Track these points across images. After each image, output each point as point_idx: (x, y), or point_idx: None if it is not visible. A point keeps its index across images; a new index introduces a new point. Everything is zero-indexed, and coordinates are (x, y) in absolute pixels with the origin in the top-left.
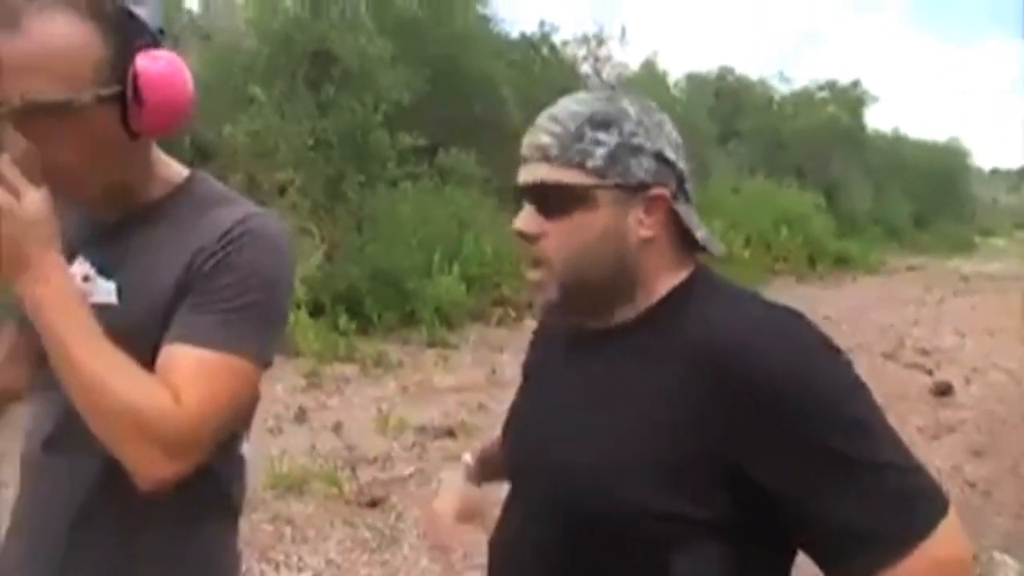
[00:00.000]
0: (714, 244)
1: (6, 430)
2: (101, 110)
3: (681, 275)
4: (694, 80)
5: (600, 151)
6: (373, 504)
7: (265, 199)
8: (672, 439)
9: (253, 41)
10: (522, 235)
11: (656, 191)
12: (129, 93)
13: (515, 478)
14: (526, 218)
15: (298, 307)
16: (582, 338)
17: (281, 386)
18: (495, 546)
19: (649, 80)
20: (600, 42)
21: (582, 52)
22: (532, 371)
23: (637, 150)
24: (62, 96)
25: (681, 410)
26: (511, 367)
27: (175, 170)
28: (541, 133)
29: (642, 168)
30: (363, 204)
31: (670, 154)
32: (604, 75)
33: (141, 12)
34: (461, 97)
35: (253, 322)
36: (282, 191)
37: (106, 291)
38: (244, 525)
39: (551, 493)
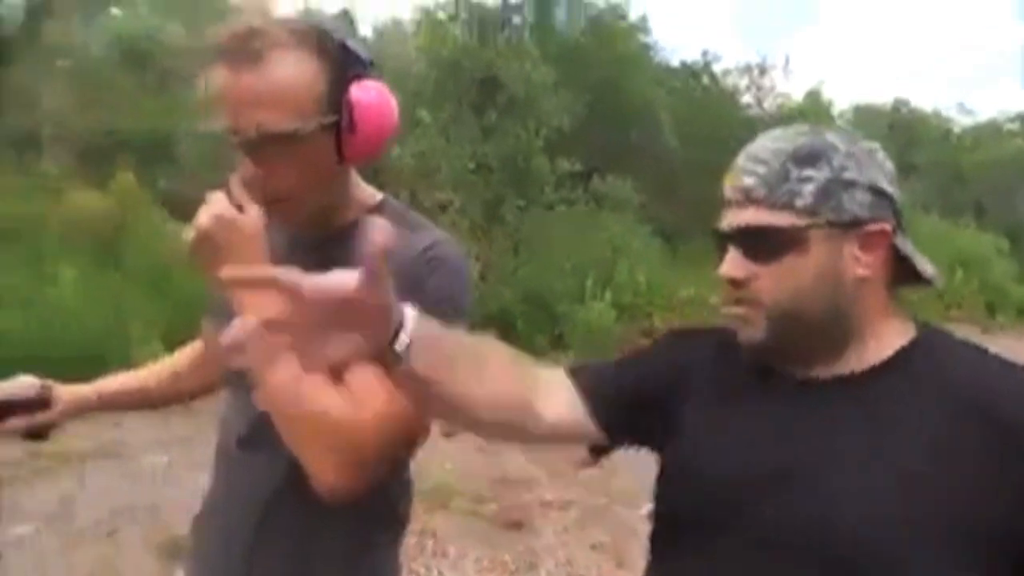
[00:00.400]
0: (936, 276)
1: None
2: (320, 138)
3: (900, 315)
4: (863, 112)
5: (809, 188)
6: (515, 526)
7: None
8: (959, 495)
9: (422, 67)
10: (731, 281)
11: (875, 226)
12: (344, 122)
13: (730, 515)
14: (733, 263)
15: None
16: (814, 389)
17: None
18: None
19: (813, 111)
20: (763, 71)
21: (744, 82)
22: (713, 395)
23: (849, 184)
24: (291, 127)
25: (962, 464)
26: None
27: (369, 193)
28: (744, 175)
29: (856, 203)
30: (519, 227)
31: (886, 185)
32: (766, 105)
33: (353, 44)
34: (619, 123)
35: None
36: (442, 210)
37: None
38: None
39: (821, 542)
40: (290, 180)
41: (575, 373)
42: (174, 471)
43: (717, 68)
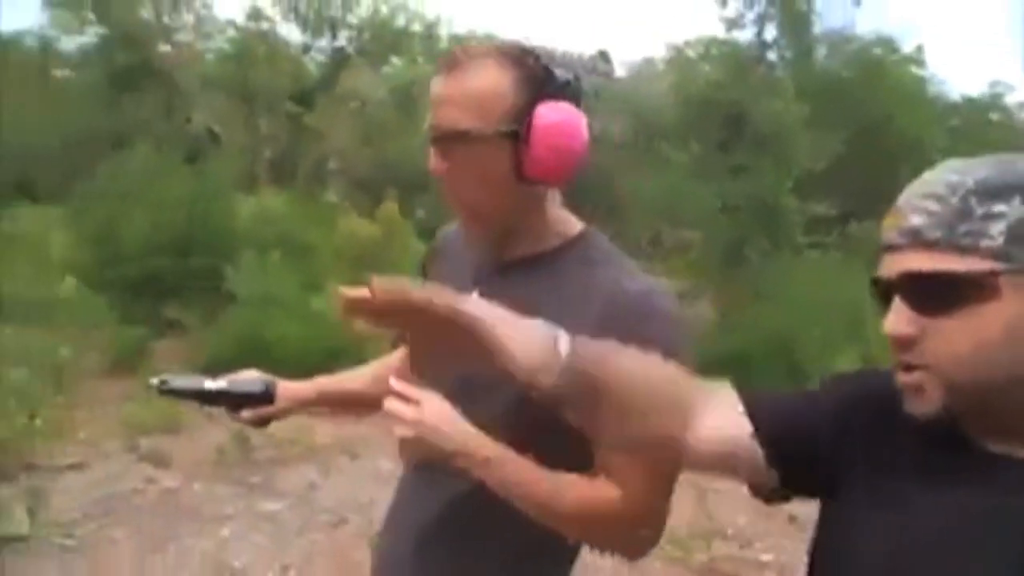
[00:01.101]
0: None
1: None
2: (497, 146)
3: None
4: None
5: (998, 228)
6: None
7: (667, 256)
8: None
9: (671, 105)
10: (898, 340)
11: None
12: (522, 134)
13: None
14: (900, 317)
15: None
16: (990, 464)
17: None
18: None
19: None
20: None
21: None
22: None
23: None
24: (469, 126)
25: None
26: None
27: (571, 224)
28: (912, 213)
29: None
30: (764, 269)
31: None
32: None
33: (558, 69)
34: (884, 164)
35: None
36: (683, 250)
37: None
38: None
39: None
40: (468, 184)
41: (744, 392)
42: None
43: (1010, 101)
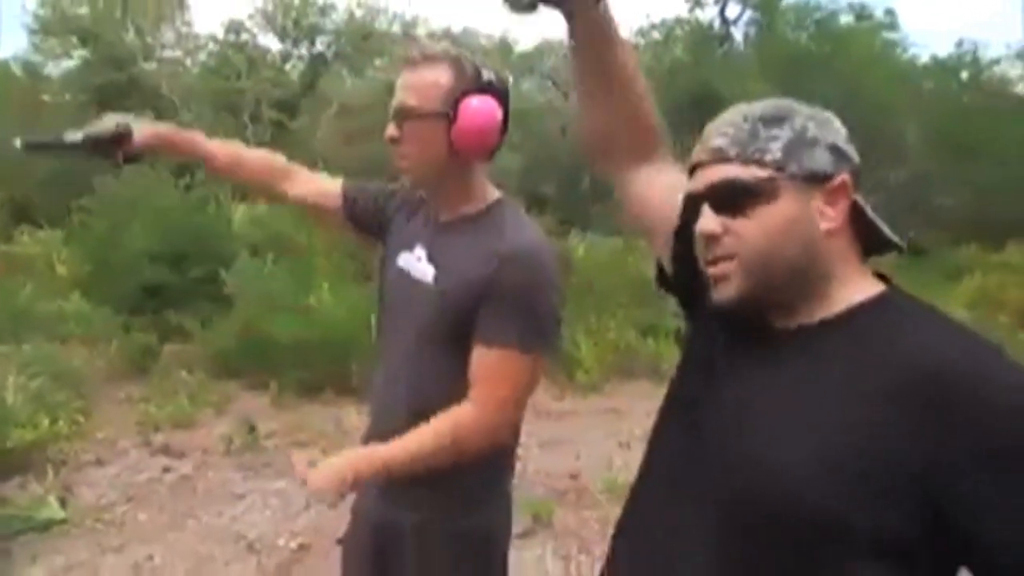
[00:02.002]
0: (899, 239)
1: None
2: (436, 123)
3: (868, 277)
4: None
5: (776, 145)
6: None
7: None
8: (866, 448)
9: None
10: (708, 236)
11: (837, 180)
12: (452, 116)
13: (685, 462)
14: (709, 219)
15: None
16: (773, 337)
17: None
18: (640, 531)
19: None
20: None
21: (1017, 70)
22: (704, 360)
23: (812, 142)
24: (418, 104)
25: (893, 423)
26: None
27: (491, 193)
28: (715, 137)
29: (818, 159)
30: None
31: (844, 146)
32: None
33: (487, 72)
34: (853, 134)
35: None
36: None
37: (426, 272)
38: (573, 518)
39: (739, 487)
40: (413, 149)
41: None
42: None
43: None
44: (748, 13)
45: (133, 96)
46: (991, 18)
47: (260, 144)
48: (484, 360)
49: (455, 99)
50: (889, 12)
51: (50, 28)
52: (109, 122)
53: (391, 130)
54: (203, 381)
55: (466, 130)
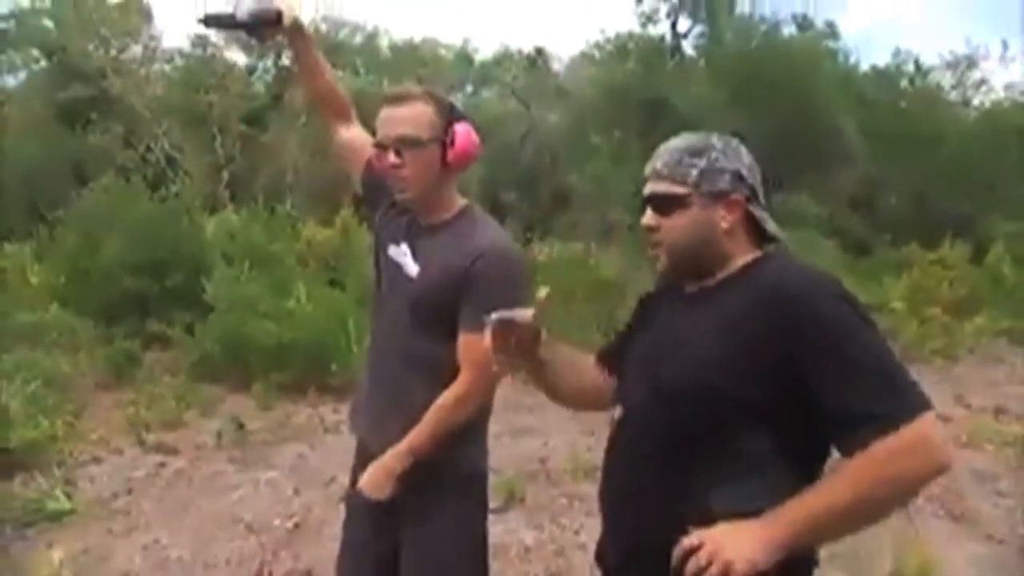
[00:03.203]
0: (780, 233)
1: None
2: (434, 147)
3: (754, 253)
4: None
5: (695, 171)
6: None
7: (602, 237)
8: (745, 348)
9: (595, 97)
10: (646, 228)
11: (733, 196)
12: (447, 140)
13: (632, 384)
14: (648, 217)
15: None
16: (689, 296)
17: None
18: (612, 441)
19: None
20: (971, 64)
21: (949, 78)
22: (648, 313)
23: (720, 170)
24: (417, 134)
25: (750, 331)
26: None
27: (459, 199)
28: (656, 161)
29: (723, 182)
30: None
31: (744, 173)
32: (977, 102)
33: (456, 104)
34: (802, 138)
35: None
36: (614, 230)
37: (411, 268)
38: (543, 494)
39: (670, 384)
40: (414, 171)
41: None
42: None
43: (910, 66)
44: (698, 27)
45: (101, 109)
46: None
47: (231, 158)
48: (467, 344)
49: (444, 127)
50: (830, 24)
51: (12, 41)
52: (269, 8)
53: (392, 158)
54: (187, 384)
55: (460, 152)
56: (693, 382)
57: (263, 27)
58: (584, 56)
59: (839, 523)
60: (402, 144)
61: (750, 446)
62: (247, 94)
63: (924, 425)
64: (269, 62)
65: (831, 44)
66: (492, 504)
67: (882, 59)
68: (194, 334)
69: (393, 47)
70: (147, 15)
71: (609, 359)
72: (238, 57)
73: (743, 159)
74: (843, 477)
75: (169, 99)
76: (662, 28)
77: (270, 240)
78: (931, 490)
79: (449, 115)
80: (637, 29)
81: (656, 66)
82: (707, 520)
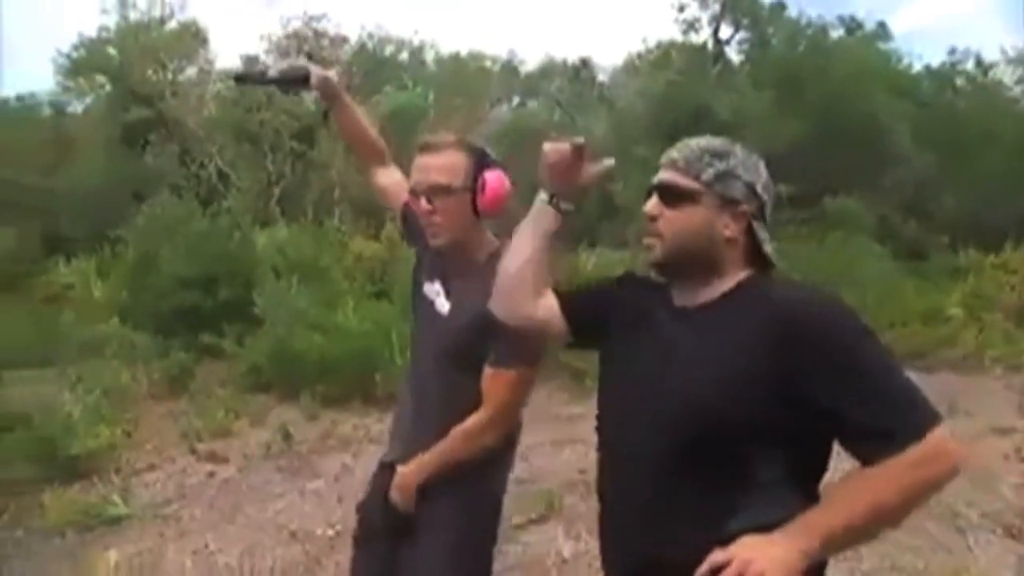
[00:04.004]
0: (775, 257)
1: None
2: (463, 195)
3: (746, 272)
4: None
5: (711, 170)
6: None
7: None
8: (752, 371)
9: (639, 107)
10: (649, 215)
11: (742, 207)
12: (478, 187)
13: (633, 402)
14: (653, 204)
15: None
16: (688, 312)
17: None
18: (610, 455)
19: None
20: None
21: (1013, 74)
22: (644, 321)
23: (736, 177)
24: (448, 183)
25: (758, 353)
26: None
27: (493, 243)
28: (675, 151)
29: (736, 190)
30: None
31: (759, 188)
32: None
33: (488, 149)
34: (852, 142)
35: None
36: None
37: (443, 306)
38: (582, 505)
39: (670, 409)
40: (446, 219)
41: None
42: None
43: (968, 64)
44: (741, 33)
45: (159, 130)
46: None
47: (281, 175)
48: (490, 379)
49: (475, 174)
50: (881, 24)
51: (81, 68)
52: (298, 66)
53: (424, 204)
54: (238, 395)
55: (491, 199)
56: (699, 402)
57: (292, 84)
58: (627, 66)
59: (858, 533)
60: (434, 192)
61: (762, 465)
62: (297, 112)
63: (938, 437)
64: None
65: (881, 45)
66: (531, 515)
67: (937, 58)
68: (244, 346)
69: (439, 61)
70: (202, 39)
71: (570, 305)
72: None
73: (761, 175)
74: (863, 489)
75: (223, 118)
76: (704, 35)
77: (318, 254)
78: (990, 506)
79: (480, 163)
80: (679, 37)
81: (698, 74)
82: (722, 539)
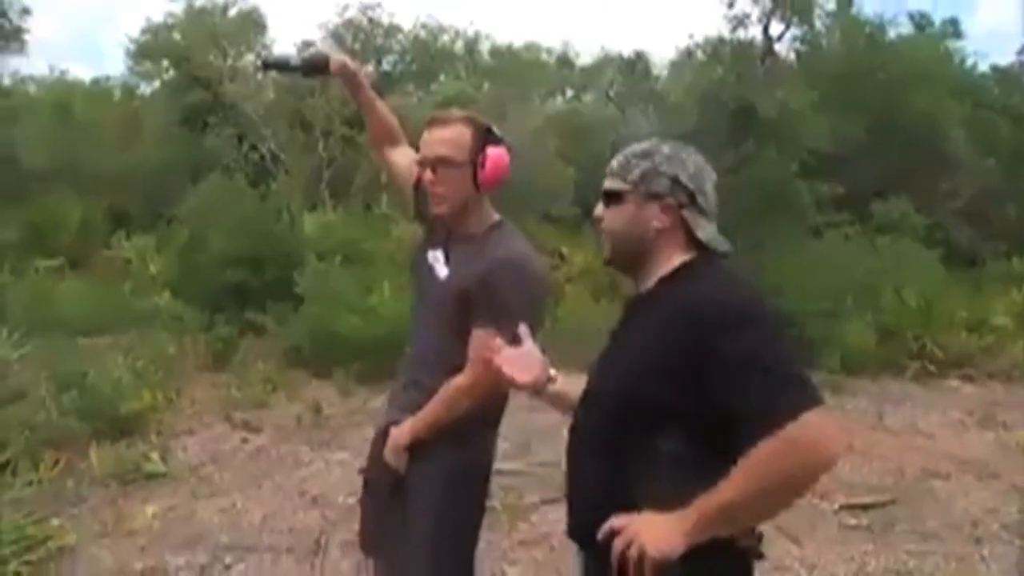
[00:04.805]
0: (717, 242)
1: None
2: (466, 168)
3: (685, 257)
4: None
5: (637, 171)
6: None
7: None
8: (660, 359)
9: (687, 104)
10: (594, 218)
11: (667, 200)
12: (479, 161)
13: (588, 384)
14: (598, 208)
15: None
16: (630, 303)
17: None
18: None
19: None
20: None
21: None
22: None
23: (660, 173)
24: (452, 155)
25: (664, 343)
26: (899, 416)
27: (493, 216)
28: (613, 160)
29: (660, 185)
30: (777, 251)
31: (684, 179)
32: None
33: (494, 128)
34: (905, 143)
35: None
36: None
37: (443, 272)
38: None
39: (600, 389)
40: (446, 190)
41: None
42: None
43: None
44: (793, 30)
45: (217, 113)
46: None
47: (332, 159)
48: (475, 339)
49: (478, 150)
50: (951, 21)
51: (147, 53)
52: (318, 53)
53: (429, 175)
54: (277, 370)
55: (490, 174)
56: (616, 386)
57: (313, 71)
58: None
59: (737, 515)
60: (438, 163)
61: (666, 445)
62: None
63: (807, 422)
64: (371, 67)
65: (951, 44)
66: (546, 495)
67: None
68: (285, 324)
69: (494, 52)
70: (261, 25)
71: None
72: None
73: (687, 166)
74: (738, 473)
75: (278, 103)
76: (754, 31)
77: (363, 238)
78: (1011, 518)
79: (485, 139)
80: (727, 34)
81: (746, 71)
82: (633, 508)
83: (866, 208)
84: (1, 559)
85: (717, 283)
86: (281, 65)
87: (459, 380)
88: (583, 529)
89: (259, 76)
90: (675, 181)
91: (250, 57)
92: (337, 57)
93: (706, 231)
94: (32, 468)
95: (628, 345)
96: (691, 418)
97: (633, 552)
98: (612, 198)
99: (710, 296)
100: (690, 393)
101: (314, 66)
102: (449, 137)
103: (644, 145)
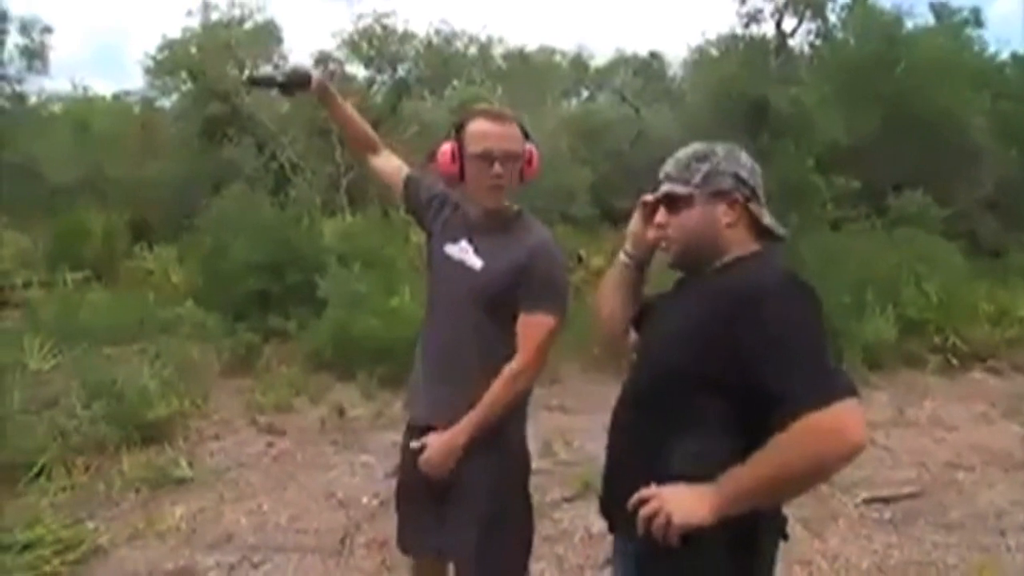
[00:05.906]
0: (779, 228)
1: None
2: (520, 163)
3: (754, 247)
4: None
5: (699, 174)
6: None
7: None
8: (703, 333)
9: (699, 99)
10: (658, 225)
11: (734, 195)
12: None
13: (638, 352)
14: (660, 215)
15: None
16: (686, 280)
17: None
18: (620, 395)
19: None
20: None
21: None
22: (675, 292)
23: (721, 172)
24: (518, 151)
25: (708, 320)
26: (922, 409)
27: (512, 205)
28: (667, 164)
29: (724, 183)
30: (796, 246)
31: (744, 175)
32: None
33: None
34: (923, 135)
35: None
36: None
37: (475, 262)
38: None
39: (648, 357)
40: (508, 181)
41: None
42: None
43: None
44: (806, 24)
45: (235, 124)
46: None
47: (349, 166)
48: (525, 324)
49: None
50: (974, 10)
51: (165, 67)
52: (301, 71)
53: (498, 168)
54: (300, 374)
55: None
56: (661, 355)
57: (296, 87)
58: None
59: (765, 493)
60: (507, 158)
61: (705, 413)
62: (365, 106)
63: (841, 409)
64: (386, 75)
65: (970, 32)
66: (567, 493)
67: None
68: (308, 329)
69: (507, 55)
70: (277, 37)
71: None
72: (358, 71)
73: (743, 163)
74: (769, 452)
75: (295, 113)
76: (765, 27)
77: (382, 243)
78: None
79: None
80: (740, 30)
81: (759, 67)
82: (668, 476)
83: (884, 201)
84: (44, 559)
85: (763, 270)
86: (266, 82)
87: (514, 365)
88: (614, 503)
89: (245, 93)
90: (737, 177)
91: (267, 68)
92: (318, 75)
93: (769, 219)
94: (65, 474)
95: (675, 320)
96: (731, 390)
97: (661, 520)
98: (676, 202)
99: (755, 282)
100: (731, 368)
101: (297, 82)
102: (513, 134)
103: (696, 147)
